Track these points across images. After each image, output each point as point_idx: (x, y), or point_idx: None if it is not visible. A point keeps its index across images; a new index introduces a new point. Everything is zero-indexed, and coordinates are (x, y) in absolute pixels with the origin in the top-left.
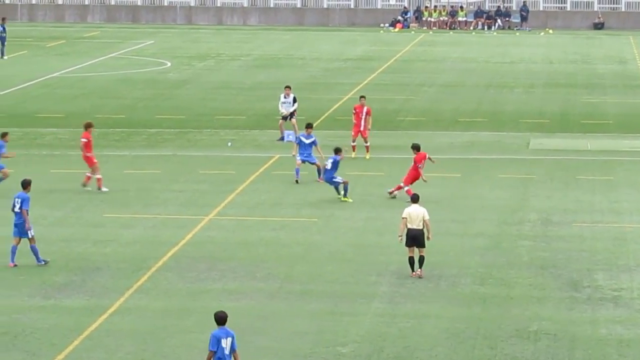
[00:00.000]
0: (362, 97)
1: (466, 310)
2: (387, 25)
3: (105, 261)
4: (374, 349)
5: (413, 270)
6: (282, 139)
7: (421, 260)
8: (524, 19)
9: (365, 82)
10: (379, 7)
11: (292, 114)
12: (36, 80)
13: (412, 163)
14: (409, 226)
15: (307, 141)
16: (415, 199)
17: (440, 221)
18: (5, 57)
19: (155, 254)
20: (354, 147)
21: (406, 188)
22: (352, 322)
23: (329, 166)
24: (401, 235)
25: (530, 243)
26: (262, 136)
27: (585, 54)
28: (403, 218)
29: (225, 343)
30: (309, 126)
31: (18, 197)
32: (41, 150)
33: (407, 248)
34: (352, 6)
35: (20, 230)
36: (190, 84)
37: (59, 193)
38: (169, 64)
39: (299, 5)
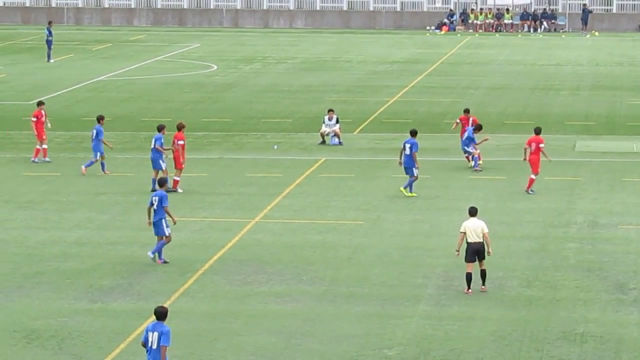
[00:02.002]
0: (466, 110)
1: (513, 312)
2: (433, 27)
3: (152, 264)
4: (420, 352)
5: (469, 287)
6: (323, 142)
7: (483, 274)
8: (584, 22)
9: (412, 84)
10: (425, 9)
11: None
12: (83, 84)
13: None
14: (469, 240)
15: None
16: (473, 212)
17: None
18: (52, 61)
19: (202, 257)
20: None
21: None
22: (399, 324)
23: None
24: (458, 250)
25: (576, 245)
26: (308, 139)
27: (631, 56)
28: (461, 232)
29: (152, 337)
30: None
31: (156, 196)
32: (88, 153)
33: (466, 263)
34: (398, 9)
35: (158, 228)
36: (237, 87)
37: (105, 196)
38: (216, 67)
39: (345, 8)
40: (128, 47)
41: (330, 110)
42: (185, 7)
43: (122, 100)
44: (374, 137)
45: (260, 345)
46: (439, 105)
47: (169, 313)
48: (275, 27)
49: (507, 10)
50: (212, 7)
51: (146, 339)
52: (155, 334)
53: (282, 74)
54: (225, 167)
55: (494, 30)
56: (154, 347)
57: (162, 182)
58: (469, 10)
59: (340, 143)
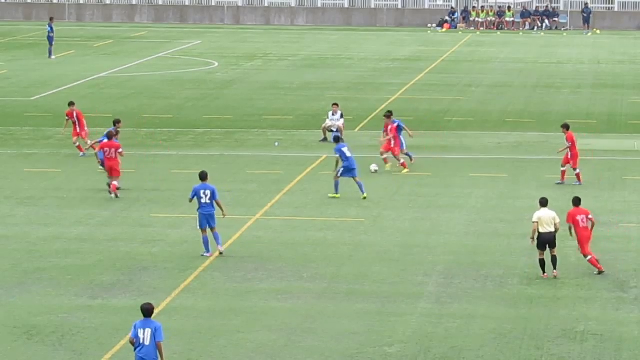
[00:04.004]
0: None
1: (513, 310)
2: (434, 25)
3: (153, 261)
4: (421, 349)
5: (544, 272)
6: (324, 139)
7: (554, 260)
8: (586, 21)
9: (413, 82)
10: (426, 7)
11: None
12: (84, 80)
13: (569, 144)
14: (541, 230)
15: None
16: (544, 202)
17: (487, 221)
18: (53, 57)
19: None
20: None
21: (577, 171)
22: (399, 322)
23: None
24: (533, 239)
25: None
26: (309, 136)
27: (633, 55)
28: (534, 222)
29: (144, 333)
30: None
31: (207, 189)
32: (89, 150)
33: (538, 250)
34: (399, 6)
35: (209, 219)
36: (238, 84)
37: (106, 192)
38: (217, 64)
39: (346, 6)
40: (129, 43)
41: (334, 104)
42: (187, 4)
43: (123, 97)
44: (375, 134)
45: (260, 342)
46: (440, 103)
47: (171, 310)
48: (277, 24)
49: (509, 8)
50: (213, 4)
51: (136, 336)
52: (148, 330)
53: (283, 71)
54: (226, 164)
55: (495, 28)
56: (147, 343)
57: (205, 176)
58: (470, 8)
59: None
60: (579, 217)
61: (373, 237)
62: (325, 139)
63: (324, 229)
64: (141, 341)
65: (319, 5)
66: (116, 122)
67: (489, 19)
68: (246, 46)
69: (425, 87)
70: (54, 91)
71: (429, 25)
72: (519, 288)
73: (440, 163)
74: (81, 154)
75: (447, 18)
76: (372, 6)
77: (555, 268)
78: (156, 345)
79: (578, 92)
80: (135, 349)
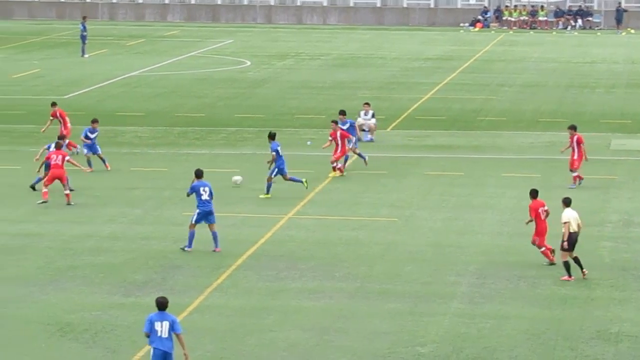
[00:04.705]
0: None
1: (546, 311)
2: (467, 24)
3: (185, 259)
4: (453, 349)
5: (570, 274)
6: (358, 139)
7: (578, 260)
8: (618, 21)
9: (445, 81)
10: (459, 6)
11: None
12: (116, 79)
13: (576, 145)
14: (571, 230)
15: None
16: (569, 202)
17: (520, 221)
18: (86, 56)
19: (234, 253)
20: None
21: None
22: (431, 322)
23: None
24: (566, 241)
25: (611, 244)
26: None
27: None
28: (565, 223)
29: (161, 326)
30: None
31: (205, 186)
32: (121, 148)
33: (563, 252)
34: (432, 6)
35: (208, 216)
36: (270, 83)
37: (139, 191)
38: (249, 63)
39: (378, 5)
40: (161, 42)
41: (365, 104)
42: (219, 3)
43: (155, 96)
44: (407, 134)
45: (292, 341)
46: (473, 103)
47: (203, 308)
48: (309, 23)
49: (542, 7)
50: (245, 3)
51: (151, 329)
52: (166, 322)
53: (315, 70)
54: (258, 163)
55: (528, 28)
56: (165, 335)
57: (201, 173)
58: (503, 7)
59: (371, 140)
60: (540, 209)
61: (405, 237)
62: (358, 139)
63: (356, 228)
64: (158, 334)
65: (351, 5)
66: (93, 122)
67: (521, 18)
68: (278, 45)
69: (458, 86)
70: (87, 90)
71: (461, 24)
72: (552, 288)
73: (472, 163)
74: (75, 150)
75: (479, 17)
76: (405, 5)
77: (583, 267)
78: (177, 337)
79: (612, 91)
80: (151, 343)
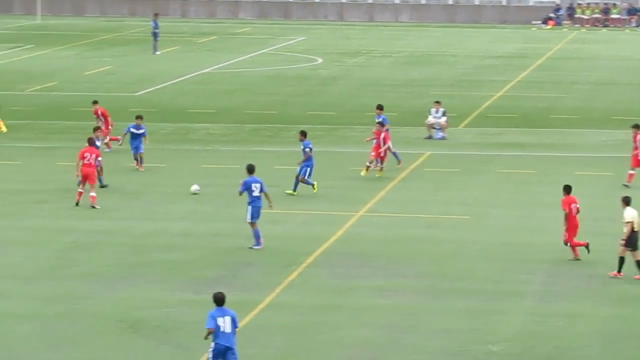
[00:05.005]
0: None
1: (618, 310)
2: (539, 22)
3: (256, 256)
4: (525, 348)
5: (620, 271)
6: (429, 137)
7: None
8: None
9: (517, 79)
10: (531, 4)
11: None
12: (188, 76)
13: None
14: (635, 229)
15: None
16: (629, 201)
17: (593, 220)
18: (157, 53)
19: (305, 250)
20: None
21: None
22: (503, 320)
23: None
24: (625, 239)
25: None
26: (412, 133)
27: None
28: (628, 222)
29: (223, 322)
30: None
31: (257, 182)
32: (193, 145)
33: (622, 248)
34: (504, 3)
35: (259, 212)
36: (341, 80)
37: (210, 188)
38: (320, 60)
39: (450, 2)
40: (233, 39)
41: (436, 102)
42: (291, 0)
43: (227, 93)
44: (479, 131)
45: (362, 339)
46: (545, 100)
47: (274, 305)
48: (380, 20)
49: (614, 5)
50: (317, 0)
51: (215, 325)
52: (227, 318)
53: (386, 67)
54: (330, 161)
55: (600, 25)
56: (228, 330)
57: (253, 169)
58: (575, 5)
59: (443, 138)
60: (572, 205)
61: (477, 235)
62: (429, 137)
63: (427, 226)
64: (222, 329)
65: (423, 2)
66: (138, 117)
67: (594, 15)
68: (350, 42)
69: (530, 84)
70: (158, 87)
71: (533, 22)
72: (624, 287)
73: (545, 161)
74: (107, 149)
75: (551, 15)
76: (477, 3)
77: None
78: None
79: None
80: (214, 339)
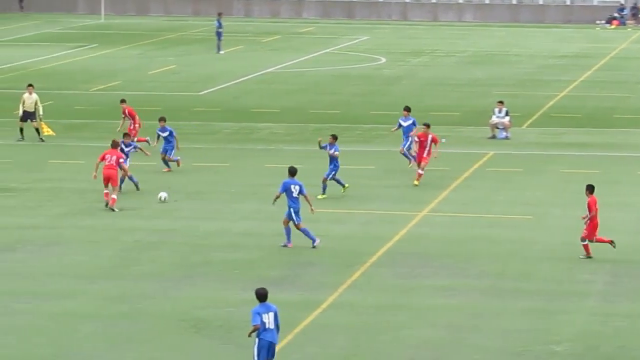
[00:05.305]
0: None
1: None
2: (603, 22)
3: (319, 256)
4: (588, 348)
5: None
6: (493, 137)
7: None
8: None
9: (581, 79)
10: (595, 3)
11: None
12: (252, 75)
13: None
14: None
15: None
16: None
17: None
18: (221, 52)
19: (369, 250)
20: None
21: None
22: (566, 320)
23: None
24: None
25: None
26: (476, 133)
27: None
28: None
29: (267, 317)
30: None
31: (296, 184)
32: (256, 145)
33: None
34: (567, 3)
35: (298, 215)
36: (405, 79)
37: (273, 188)
38: (384, 60)
39: (514, 2)
40: (297, 39)
41: (499, 102)
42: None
43: (290, 92)
44: (542, 131)
45: (425, 338)
46: (608, 100)
47: (337, 305)
48: (444, 20)
49: None
50: (381, 0)
51: (261, 321)
52: (271, 314)
53: (450, 67)
54: (393, 160)
55: None
56: (272, 326)
57: (295, 171)
58: (639, 5)
59: (506, 137)
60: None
61: (539, 235)
62: (493, 136)
63: (490, 225)
64: (267, 325)
65: (487, 2)
66: (161, 120)
67: None
68: (413, 42)
69: (593, 84)
70: (222, 86)
71: (597, 21)
72: None
73: (608, 160)
74: (146, 144)
75: (615, 14)
76: (540, 2)
77: None
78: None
79: None
80: (259, 334)
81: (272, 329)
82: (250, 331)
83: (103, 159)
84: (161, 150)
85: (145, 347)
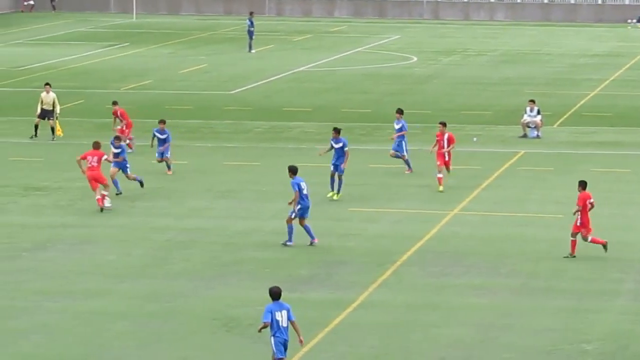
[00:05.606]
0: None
1: None
2: (634, 21)
3: (350, 255)
4: (619, 347)
5: None
6: (524, 135)
7: None
8: None
9: (612, 78)
10: (626, 2)
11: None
12: (283, 74)
13: None
14: None
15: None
16: None
17: None
18: (253, 51)
19: (399, 249)
20: None
21: None
22: (597, 319)
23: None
24: None
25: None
26: (507, 132)
27: None
28: None
29: (280, 315)
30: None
31: (303, 182)
32: (287, 143)
33: None
34: (599, 2)
35: (307, 211)
36: (436, 78)
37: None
38: (415, 59)
39: (545, 1)
40: (328, 38)
41: (530, 101)
42: None
43: (322, 91)
44: (574, 130)
45: (456, 337)
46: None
47: (368, 304)
48: (476, 19)
49: None
50: None
51: (273, 319)
52: (284, 312)
53: (481, 66)
54: (424, 159)
55: None
56: (285, 325)
57: (296, 170)
58: None
59: (537, 136)
60: (587, 201)
61: (570, 234)
62: (524, 135)
63: (521, 224)
64: (280, 323)
65: (519, 0)
66: (160, 122)
67: None
68: (445, 41)
69: (625, 83)
70: (253, 85)
71: (629, 21)
72: None
73: (639, 160)
74: (130, 150)
75: None
76: (572, 1)
77: None
78: (292, 324)
79: None
80: (274, 332)
81: (285, 327)
82: (260, 327)
83: (84, 158)
84: (157, 154)
85: (176, 346)
